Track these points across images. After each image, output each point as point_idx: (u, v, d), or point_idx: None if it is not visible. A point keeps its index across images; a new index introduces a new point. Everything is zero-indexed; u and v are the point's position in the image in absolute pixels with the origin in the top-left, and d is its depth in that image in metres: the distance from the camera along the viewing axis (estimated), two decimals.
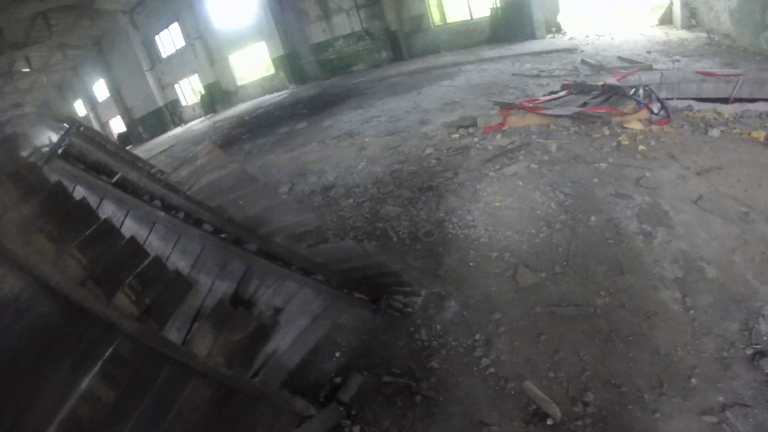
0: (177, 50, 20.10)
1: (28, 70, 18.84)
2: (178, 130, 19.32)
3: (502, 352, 3.31)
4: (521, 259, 4.04)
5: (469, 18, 14.65)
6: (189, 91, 21.25)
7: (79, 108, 26.80)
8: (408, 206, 5.22)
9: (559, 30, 13.26)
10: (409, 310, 3.82)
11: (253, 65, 18.65)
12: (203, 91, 19.86)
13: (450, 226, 4.70)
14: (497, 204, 4.81)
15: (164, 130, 20.91)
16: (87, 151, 3.24)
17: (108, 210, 3.25)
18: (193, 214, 3.30)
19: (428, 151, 6.32)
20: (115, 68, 22.58)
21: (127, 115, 23.80)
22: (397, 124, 7.83)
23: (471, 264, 4.17)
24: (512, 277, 3.91)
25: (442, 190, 5.28)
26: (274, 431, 2.65)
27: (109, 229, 2.27)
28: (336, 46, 16.48)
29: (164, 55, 20.81)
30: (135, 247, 2.31)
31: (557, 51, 11.00)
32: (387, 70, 14.28)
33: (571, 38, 12.38)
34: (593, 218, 4.31)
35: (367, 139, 7.43)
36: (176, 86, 21.48)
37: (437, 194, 5.25)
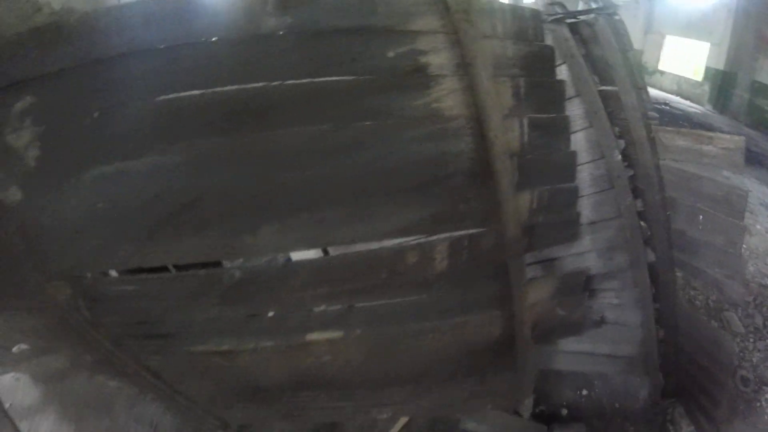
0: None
1: None
2: None
3: None
4: None
5: None
6: None
7: None
8: None
9: None
10: None
11: (682, 59, 15.04)
12: None
13: None
14: None
15: None
16: (603, 41, 2.45)
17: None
18: (640, 182, 2.54)
19: None
20: None
21: None
22: None
23: None
24: None
25: None
26: None
27: (560, 129, 2.06)
28: None
29: None
30: (568, 162, 2.13)
31: None
32: None
33: None
34: None
35: None
36: None
37: None
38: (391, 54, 1.66)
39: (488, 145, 1.78)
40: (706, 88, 13.02)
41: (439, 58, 1.71)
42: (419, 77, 1.68)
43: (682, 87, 14.30)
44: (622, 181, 2.46)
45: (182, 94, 1.54)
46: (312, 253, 2.03)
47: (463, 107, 1.74)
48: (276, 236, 1.66)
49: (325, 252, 2.05)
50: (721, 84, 12.45)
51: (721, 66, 12.46)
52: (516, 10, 1.99)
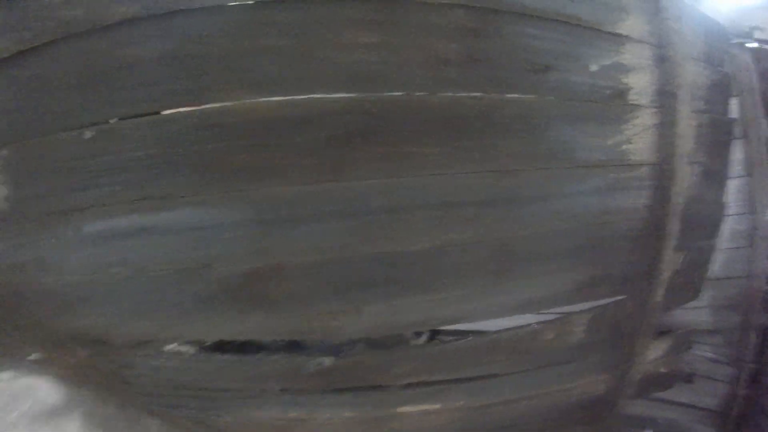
0: None
1: None
2: None
3: None
4: None
5: None
6: None
7: None
8: None
9: None
10: None
11: None
12: None
13: None
14: None
15: None
16: None
17: None
18: None
19: None
20: None
21: None
22: None
23: None
24: None
25: None
26: None
27: (722, 178, 1.66)
28: None
29: None
30: (718, 217, 1.74)
31: None
32: None
33: None
34: None
35: None
36: None
37: None
38: (594, 67, 1.13)
39: (666, 203, 1.34)
40: None
41: (640, 81, 1.19)
42: (619, 106, 1.17)
43: None
44: (762, 242, 2.13)
45: (237, 104, 0.95)
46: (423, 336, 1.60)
47: (651, 152, 1.26)
48: (377, 318, 1.20)
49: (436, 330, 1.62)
50: None
51: None
52: (707, 23, 1.45)
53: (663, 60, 1.20)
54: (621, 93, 1.16)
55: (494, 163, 1.05)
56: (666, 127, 1.25)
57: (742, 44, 1.97)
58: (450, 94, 1.00)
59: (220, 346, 1.33)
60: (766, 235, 2.16)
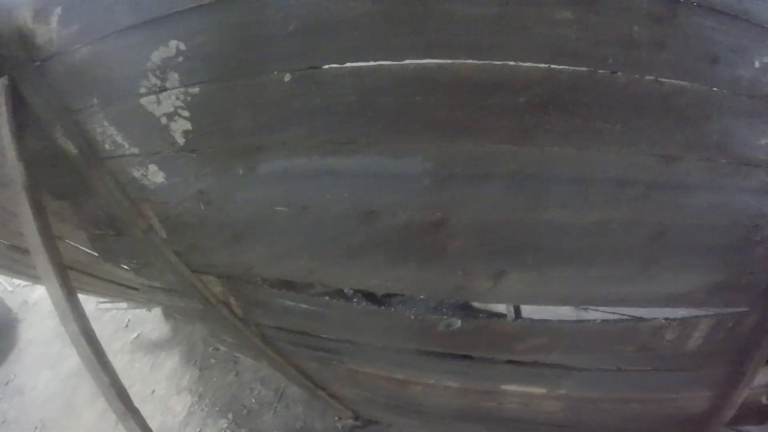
0: None
1: None
2: None
3: None
4: None
5: None
6: None
7: None
8: None
9: None
10: None
11: None
12: None
13: None
14: None
15: None
16: None
17: None
18: None
19: None
20: None
21: None
22: None
23: None
24: None
25: None
26: None
27: None
28: None
29: None
30: None
31: None
32: None
33: None
34: None
35: None
36: None
37: None
38: (757, 63, 1.12)
39: None
40: None
41: None
42: None
43: None
44: None
45: (449, 62, 1.00)
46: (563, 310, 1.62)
47: None
48: (526, 286, 1.23)
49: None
50: None
51: None
52: None
53: None
54: None
55: (667, 147, 1.06)
56: None
57: None
58: (637, 76, 1.02)
59: (356, 296, 1.41)
60: None
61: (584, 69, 1.00)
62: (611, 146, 1.01)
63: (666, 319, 1.36)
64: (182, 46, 1.01)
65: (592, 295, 1.28)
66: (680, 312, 1.40)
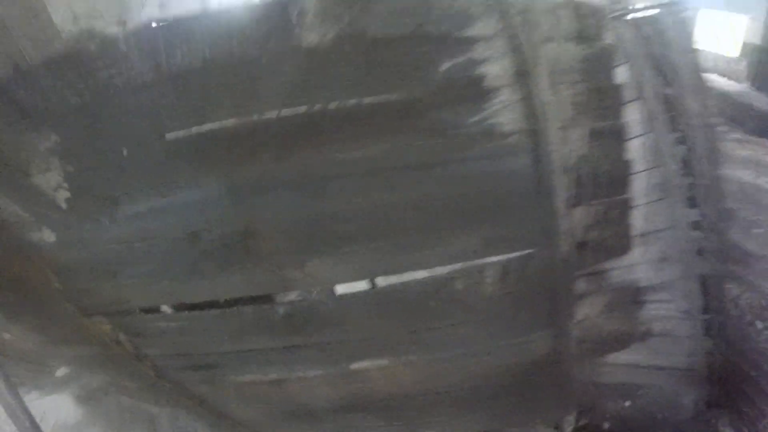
0: None
1: None
2: None
3: None
4: None
5: None
6: None
7: None
8: None
9: None
10: None
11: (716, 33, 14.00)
12: None
13: None
14: None
15: None
16: (667, 40, 2.20)
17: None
18: (698, 192, 2.34)
19: None
20: None
21: None
22: None
23: None
24: None
25: None
26: None
27: (618, 137, 1.95)
28: None
29: None
30: (623, 173, 1.99)
31: None
32: None
33: None
34: None
35: None
36: None
37: None
38: (445, 66, 1.49)
39: (545, 162, 1.64)
40: (744, 64, 12.45)
41: (496, 68, 1.55)
42: (474, 91, 1.52)
43: (718, 64, 13.65)
44: (677, 191, 2.26)
45: (219, 123, 1.40)
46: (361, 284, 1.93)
47: (520, 121, 1.60)
48: (327, 268, 1.58)
49: (372, 282, 1.95)
50: (760, 60, 11.81)
51: (759, 41, 11.77)
52: (578, 7, 1.78)
53: (516, 48, 1.54)
54: (475, 81, 1.53)
55: (384, 144, 1.50)
56: (528, 100, 1.57)
57: (621, 17, 2.15)
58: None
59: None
60: (678, 183, 2.22)
61: None
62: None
63: (448, 272, 1.68)
64: None
65: (380, 268, 1.61)
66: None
